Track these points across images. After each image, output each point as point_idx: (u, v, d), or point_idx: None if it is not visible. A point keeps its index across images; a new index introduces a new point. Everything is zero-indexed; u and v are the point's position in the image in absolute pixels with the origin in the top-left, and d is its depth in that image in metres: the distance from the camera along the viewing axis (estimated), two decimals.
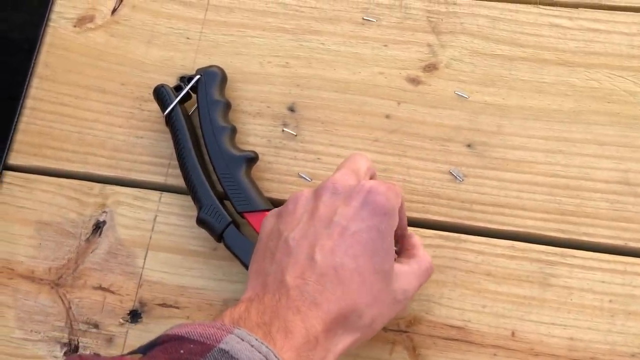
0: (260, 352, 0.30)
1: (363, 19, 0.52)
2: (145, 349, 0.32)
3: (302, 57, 0.51)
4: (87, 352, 0.45)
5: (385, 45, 0.51)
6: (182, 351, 0.30)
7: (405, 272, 0.39)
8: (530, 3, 0.50)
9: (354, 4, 0.52)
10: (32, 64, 0.54)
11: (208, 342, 0.30)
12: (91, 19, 0.55)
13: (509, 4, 0.50)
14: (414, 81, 0.50)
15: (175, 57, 0.53)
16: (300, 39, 0.52)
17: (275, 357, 0.30)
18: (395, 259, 0.38)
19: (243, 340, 0.30)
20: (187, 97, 0.49)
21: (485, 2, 0.51)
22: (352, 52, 0.51)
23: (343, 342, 0.35)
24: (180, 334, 0.31)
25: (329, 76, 0.51)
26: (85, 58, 0.54)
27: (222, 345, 0.30)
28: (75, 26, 0.55)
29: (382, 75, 0.50)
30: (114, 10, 0.55)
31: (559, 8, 0.50)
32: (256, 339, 0.31)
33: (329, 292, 0.34)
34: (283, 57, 0.52)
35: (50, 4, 0.56)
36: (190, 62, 0.52)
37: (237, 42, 0.53)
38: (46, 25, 0.55)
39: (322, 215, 0.37)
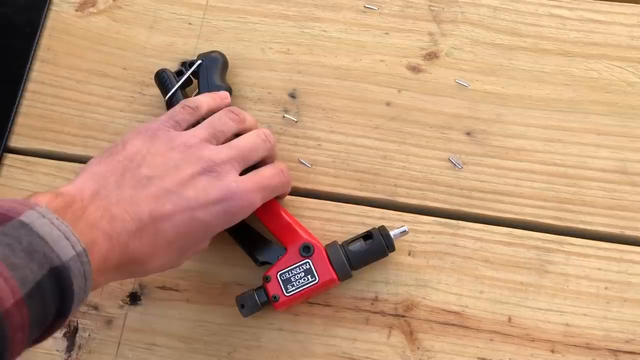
0: (59, 230, 0.31)
1: (365, 6, 0.52)
2: None
3: (303, 44, 0.52)
4: None
5: (387, 33, 0.51)
6: None
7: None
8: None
9: None
10: (34, 48, 0.54)
11: (9, 214, 0.31)
12: (93, 3, 0.55)
13: None
14: (415, 69, 0.50)
15: (177, 43, 0.53)
16: (302, 25, 0.52)
17: (74, 235, 0.31)
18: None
19: (44, 217, 0.31)
20: (188, 82, 0.49)
21: None
22: (353, 40, 0.51)
23: (121, 275, 0.38)
24: None
25: (330, 63, 0.51)
26: (87, 42, 0.54)
27: (22, 218, 0.31)
28: (77, 10, 0.55)
29: (383, 62, 0.50)
30: None
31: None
32: (57, 218, 0.32)
33: (137, 240, 0.36)
34: (285, 43, 0.52)
35: None
36: (192, 48, 0.53)
37: (239, 28, 0.53)
38: (48, 9, 0.55)
39: (180, 176, 0.39)
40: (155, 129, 0.41)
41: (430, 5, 0.51)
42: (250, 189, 0.40)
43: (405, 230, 0.44)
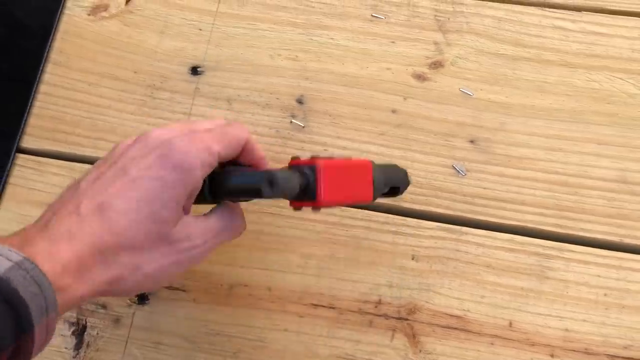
0: (17, 255, 0.31)
1: (372, 15, 0.53)
2: None
3: (311, 51, 0.53)
4: None
5: (393, 42, 0.52)
6: None
7: (199, 225, 0.38)
8: (534, 5, 0.52)
9: (363, 1, 0.54)
10: (47, 50, 0.55)
11: None
12: (105, 8, 0.56)
13: (514, 5, 0.52)
14: (420, 77, 0.51)
15: (187, 48, 0.54)
16: (311, 33, 0.53)
17: (8, 249, 0.31)
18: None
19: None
20: None
21: (491, 2, 0.52)
22: (360, 48, 0.52)
23: (101, 275, 0.35)
24: None
25: (337, 70, 0.52)
26: (99, 46, 0.55)
27: None
28: (89, 14, 0.56)
29: (389, 70, 0.51)
30: (128, 0, 0.56)
31: (562, 11, 0.51)
32: (9, 249, 0.31)
33: (87, 227, 0.35)
34: (293, 50, 0.53)
35: None
36: (202, 53, 0.54)
37: (249, 34, 0.54)
38: (61, 12, 0.56)
39: (115, 158, 0.38)
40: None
41: (436, 15, 0.52)
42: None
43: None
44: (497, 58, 0.51)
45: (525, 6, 0.52)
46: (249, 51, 0.53)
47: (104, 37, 0.55)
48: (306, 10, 0.54)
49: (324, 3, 0.54)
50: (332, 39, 0.53)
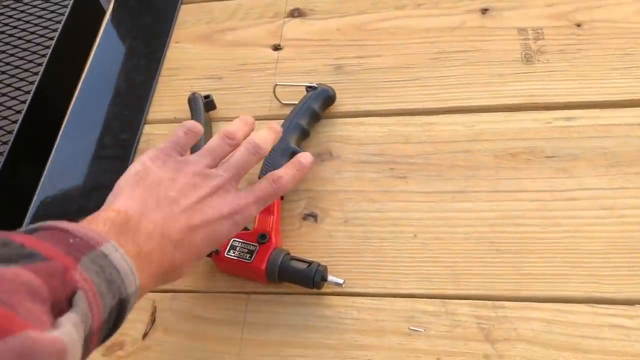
0: (127, 264, 0.37)
1: (409, 329, 0.49)
2: (28, 232, 0.35)
3: None
4: None
5: (438, 359, 0.48)
6: (71, 241, 0.35)
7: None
8: (581, 302, 0.48)
9: (397, 313, 0.50)
10: None
11: (91, 243, 0.35)
12: (121, 345, 0.52)
13: (560, 304, 0.48)
14: None
15: None
16: (346, 356, 0.49)
17: (134, 272, 0.37)
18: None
19: (117, 250, 0.36)
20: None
21: (535, 303, 0.49)
22: None
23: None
24: (65, 227, 0.36)
25: None
26: None
27: (102, 249, 0.36)
28: (104, 355, 0.52)
29: None
30: (145, 335, 0.53)
31: (613, 306, 0.48)
32: (124, 253, 0.37)
33: (179, 253, 0.43)
34: None
35: None
36: None
37: None
38: None
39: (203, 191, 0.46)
40: (167, 156, 0.47)
41: (479, 323, 0.49)
42: (249, 204, 0.47)
43: (340, 283, 0.51)
44: None
45: (571, 304, 0.48)
46: None
47: None
48: (338, 328, 0.50)
49: (356, 319, 0.50)
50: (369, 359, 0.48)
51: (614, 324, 0.47)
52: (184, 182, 0.45)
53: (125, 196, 0.43)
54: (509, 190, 0.54)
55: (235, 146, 0.50)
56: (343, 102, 0.64)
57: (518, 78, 0.61)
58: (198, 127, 0.51)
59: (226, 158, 0.49)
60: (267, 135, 0.51)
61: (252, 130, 0.52)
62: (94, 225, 0.38)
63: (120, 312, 0.36)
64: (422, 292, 0.51)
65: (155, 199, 0.43)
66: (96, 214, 0.40)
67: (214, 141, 0.49)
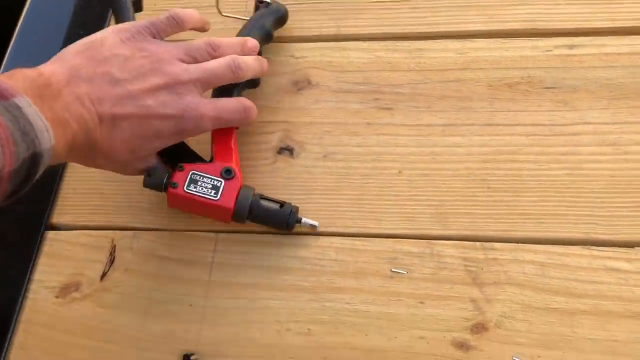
0: (42, 122, 0.35)
1: (391, 270, 0.45)
2: None
3: (326, 322, 0.44)
4: None
5: (422, 302, 0.44)
6: None
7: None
8: (577, 244, 0.45)
9: (379, 254, 0.46)
10: (6, 348, 0.46)
11: (5, 93, 0.34)
12: (77, 286, 0.48)
13: (554, 245, 0.45)
14: (463, 346, 0.42)
15: (177, 330, 0.45)
16: (323, 298, 0.45)
17: (50, 130, 0.36)
18: None
19: (31, 106, 0.35)
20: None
21: (528, 245, 0.45)
22: (384, 312, 0.44)
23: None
24: None
25: (360, 344, 0.43)
26: (70, 336, 0.46)
27: (16, 100, 0.34)
28: (57, 297, 0.48)
29: (424, 340, 0.43)
30: (103, 275, 0.48)
31: (613, 248, 0.44)
32: (39, 111, 0.36)
33: (99, 133, 0.41)
34: (304, 322, 0.44)
35: (29, 271, 0.49)
36: (195, 335, 0.45)
37: (248, 306, 0.45)
38: (24, 297, 0.48)
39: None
40: (136, 32, 0.43)
41: (466, 266, 0.45)
42: (204, 114, 0.43)
43: (316, 225, 0.47)
44: (549, 314, 0.42)
45: (567, 246, 0.45)
46: (253, 327, 0.45)
47: (75, 324, 0.46)
48: (314, 270, 0.46)
49: (334, 260, 0.46)
50: (348, 303, 0.45)
51: (612, 267, 0.44)
52: (139, 64, 0.42)
53: (60, 62, 0.41)
54: (504, 123, 0.50)
55: (215, 58, 0.45)
56: (323, 25, 0.57)
57: (517, 1, 0.56)
58: (188, 16, 0.46)
59: (205, 63, 0.45)
60: (253, 64, 0.47)
61: (244, 55, 0.47)
62: (12, 80, 0.36)
63: (32, 166, 0.35)
64: (405, 232, 0.47)
65: (92, 72, 0.41)
66: (17, 69, 0.38)
67: (196, 42, 0.46)
